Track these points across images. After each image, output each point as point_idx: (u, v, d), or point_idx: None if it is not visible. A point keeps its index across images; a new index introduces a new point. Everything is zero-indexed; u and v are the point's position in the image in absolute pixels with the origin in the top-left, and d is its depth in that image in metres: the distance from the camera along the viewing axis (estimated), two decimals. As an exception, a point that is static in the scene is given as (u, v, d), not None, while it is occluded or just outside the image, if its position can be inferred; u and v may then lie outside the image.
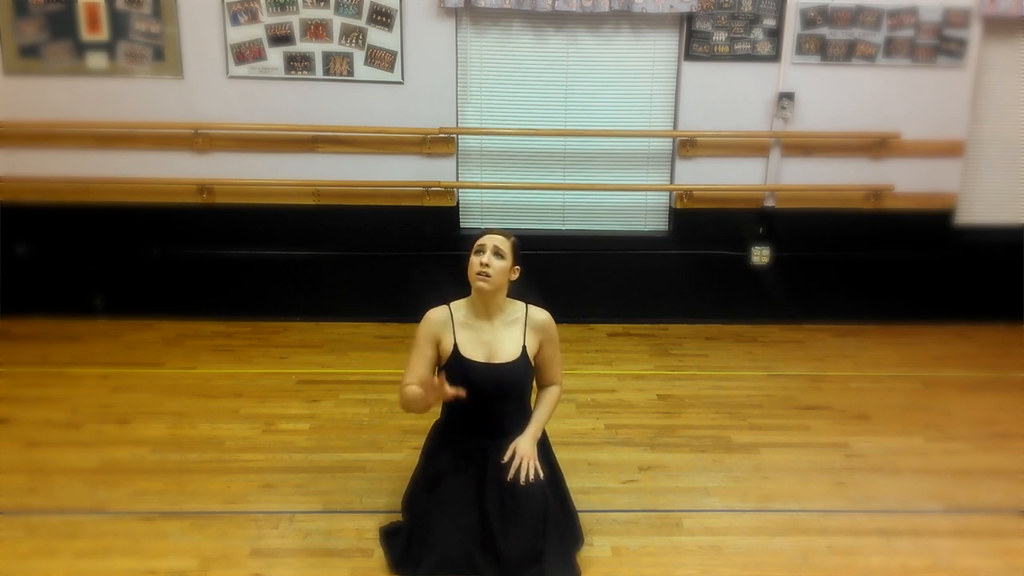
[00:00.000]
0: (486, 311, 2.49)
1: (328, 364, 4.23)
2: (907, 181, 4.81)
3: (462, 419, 2.50)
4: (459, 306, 2.54)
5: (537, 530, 2.35)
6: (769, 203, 4.87)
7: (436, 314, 2.53)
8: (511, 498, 2.37)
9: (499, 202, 4.89)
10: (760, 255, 4.89)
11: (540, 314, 2.55)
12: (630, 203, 4.94)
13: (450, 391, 2.27)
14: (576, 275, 4.91)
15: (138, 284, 4.79)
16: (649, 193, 4.94)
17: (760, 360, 4.42)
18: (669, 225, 4.95)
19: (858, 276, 4.95)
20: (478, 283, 2.41)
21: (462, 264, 2.48)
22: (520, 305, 2.55)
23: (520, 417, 2.54)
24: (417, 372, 2.47)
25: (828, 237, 4.89)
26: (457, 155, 4.75)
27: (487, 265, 2.40)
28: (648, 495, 2.97)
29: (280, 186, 4.67)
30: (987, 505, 2.94)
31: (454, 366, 2.46)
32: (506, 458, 2.40)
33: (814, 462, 3.24)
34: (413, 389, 2.41)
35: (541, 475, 2.39)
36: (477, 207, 4.89)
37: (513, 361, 2.46)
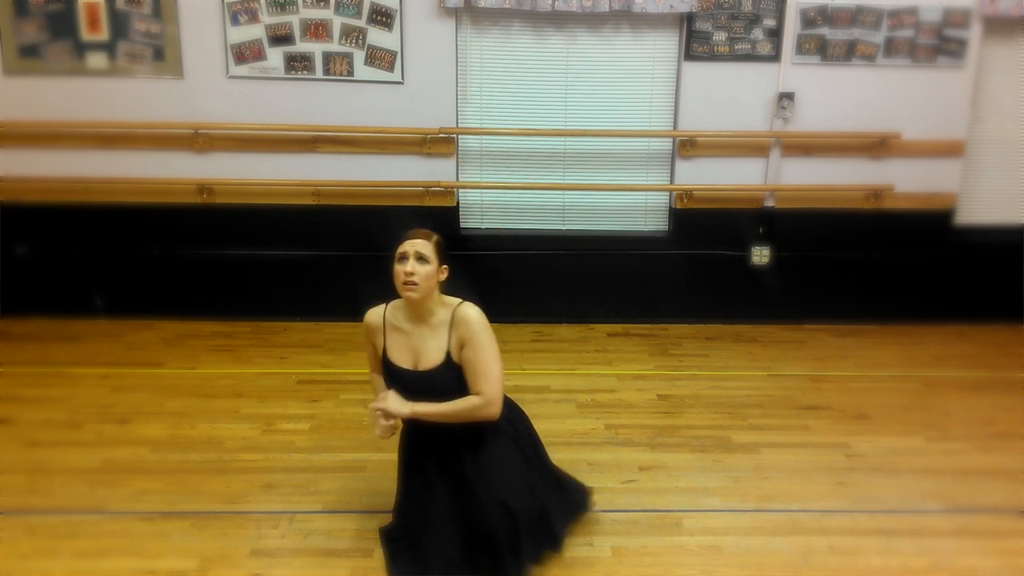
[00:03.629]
0: (416, 315, 2.43)
1: (328, 364, 4.23)
2: (907, 181, 4.81)
3: (411, 423, 2.50)
4: (396, 307, 2.49)
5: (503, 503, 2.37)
6: (769, 203, 4.87)
7: (371, 316, 2.52)
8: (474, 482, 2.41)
9: (499, 202, 4.89)
10: (760, 255, 4.90)
11: (464, 312, 2.39)
12: (630, 203, 4.94)
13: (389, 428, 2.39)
14: (576, 275, 4.91)
15: (138, 284, 4.79)
16: (649, 193, 4.94)
17: (760, 360, 4.42)
18: (669, 225, 4.95)
19: (858, 276, 4.95)
20: (406, 293, 2.36)
21: (388, 271, 2.42)
22: (452, 304, 2.43)
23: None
24: (371, 363, 2.60)
25: (828, 237, 4.89)
26: (457, 155, 4.75)
27: (412, 273, 2.33)
28: (648, 495, 2.97)
29: (280, 186, 4.67)
30: (987, 505, 2.94)
31: (385, 370, 2.48)
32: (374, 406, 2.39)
33: (814, 462, 3.24)
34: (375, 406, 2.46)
35: (382, 421, 2.38)
36: (477, 207, 4.89)
37: (436, 367, 2.38)
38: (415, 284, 2.33)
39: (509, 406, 2.60)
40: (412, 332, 2.43)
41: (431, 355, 2.39)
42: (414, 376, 2.41)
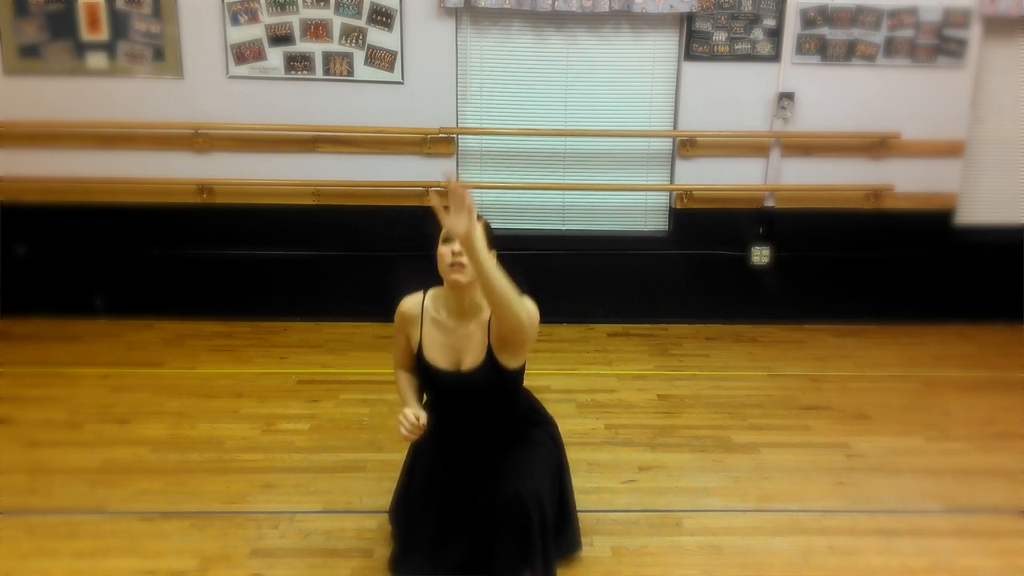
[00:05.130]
0: (460, 308, 2.19)
1: (328, 364, 4.23)
2: (907, 181, 4.81)
3: (436, 432, 2.27)
4: (436, 296, 2.25)
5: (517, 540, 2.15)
6: (769, 203, 4.87)
7: (407, 304, 2.28)
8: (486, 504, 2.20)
9: (499, 202, 4.89)
10: (760, 255, 4.90)
11: None
12: (630, 203, 4.94)
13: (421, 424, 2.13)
14: (576, 275, 4.91)
15: (138, 284, 4.79)
16: (649, 193, 4.94)
17: (760, 360, 4.42)
18: (669, 225, 4.95)
19: (858, 276, 4.95)
20: (453, 276, 2.09)
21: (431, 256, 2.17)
22: None
23: (498, 432, 2.30)
24: (399, 358, 2.37)
25: (828, 237, 4.89)
26: (457, 155, 4.75)
27: (460, 253, 2.05)
28: (648, 495, 2.97)
29: (280, 186, 4.67)
30: (987, 505, 2.94)
31: (419, 369, 2.28)
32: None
33: (814, 462, 3.24)
34: (404, 400, 2.29)
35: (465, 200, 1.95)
36: (477, 207, 4.87)
37: (477, 367, 2.16)
38: (463, 266, 2.06)
39: (553, 424, 2.47)
40: (454, 329, 2.19)
41: (473, 354, 2.17)
42: (454, 378, 2.20)
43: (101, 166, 4.60)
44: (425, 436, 2.18)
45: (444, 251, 2.12)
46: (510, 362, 2.21)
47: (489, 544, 2.19)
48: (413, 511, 2.42)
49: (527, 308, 2.05)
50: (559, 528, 2.41)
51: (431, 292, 2.29)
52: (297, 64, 4.54)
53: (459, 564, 2.29)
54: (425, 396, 2.37)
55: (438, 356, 2.23)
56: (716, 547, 2.64)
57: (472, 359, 2.19)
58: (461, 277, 2.10)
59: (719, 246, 4.89)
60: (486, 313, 2.19)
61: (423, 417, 2.14)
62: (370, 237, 4.78)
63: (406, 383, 2.35)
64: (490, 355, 2.17)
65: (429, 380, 2.27)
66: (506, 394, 2.25)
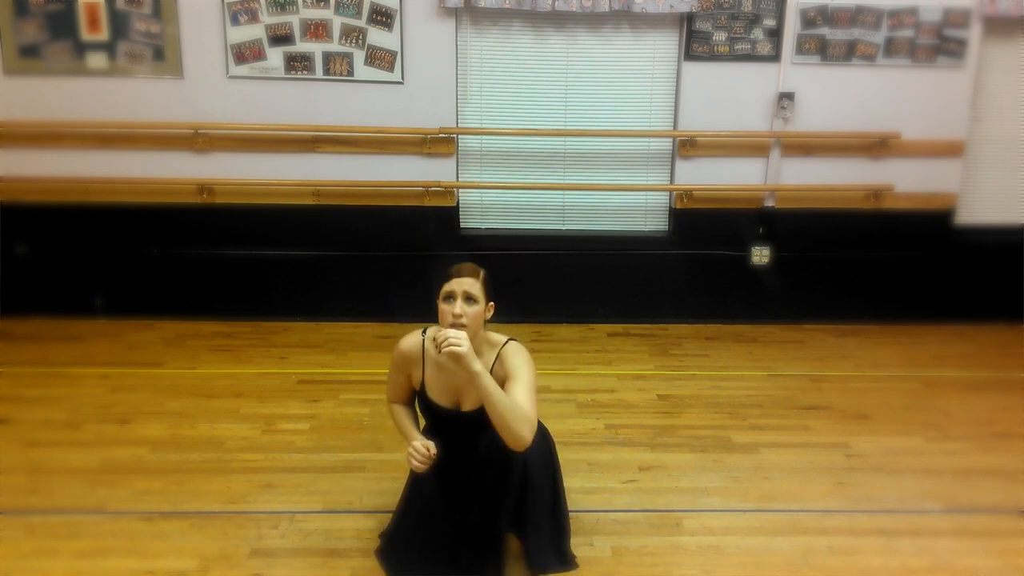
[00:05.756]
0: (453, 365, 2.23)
1: (328, 364, 4.23)
2: (907, 181, 4.81)
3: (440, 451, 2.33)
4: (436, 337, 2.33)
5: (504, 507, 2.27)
6: (769, 203, 4.87)
7: (408, 346, 2.40)
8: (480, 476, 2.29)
9: (499, 202, 4.89)
10: (760, 255, 4.90)
11: (511, 348, 2.33)
12: (630, 203, 4.94)
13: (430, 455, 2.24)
14: (576, 275, 4.91)
15: (138, 284, 4.79)
16: (649, 193, 4.94)
17: (760, 360, 4.42)
18: (669, 225, 4.95)
19: (858, 276, 4.95)
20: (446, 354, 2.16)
21: (433, 310, 2.28)
22: (499, 343, 2.35)
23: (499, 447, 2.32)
24: (396, 394, 2.51)
25: (828, 237, 4.89)
26: (457, 155, 4.75)
27: (460, 316, 2.19)
28: (648, 495, 2.97)
29: (280, 186, 4.67)
30: (987, 505, 2.94)
31: (421, 405, 2.41)
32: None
33: (814, 462, 3.24)
34: (406, 433, 2.40)
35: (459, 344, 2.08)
36: (477, 207, 4.89)
37: (479, 409, 2.22)
38: (464, 326, 2.19)
39: (549, 440, 2.51)
40: (455, 371, 2.25)
41: (474, 397, 2.25)
42: (456, 416, 2.33)
43: (101, 166, 4.60)
44: (435, 465, 2.28)
45: (445, 310, 2.23)
46: None
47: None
48: (413, 542, 2.43)
49: (529, 421, 2.15)
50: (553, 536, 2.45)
51: (429, 332, 2.39)
52: (297, 64, 4.54)
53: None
54: (423, 423, 2.50)
55: (440, 396, 2.36)
56: (716, 547, 2.64)
57: (473, 401, 2.29)
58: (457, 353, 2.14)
59: (719, 246, 4.89)
60: (488, 357, 2.31)
61: (432, 448, 2.26)
62: (370, 237, 4.78)
63: (404, 416, 2.49)
64: None
65: (431, 416, 2.39)
66: None
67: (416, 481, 2.46)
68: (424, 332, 2.42)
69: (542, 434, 2.46)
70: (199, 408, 3.62)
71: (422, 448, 2.25)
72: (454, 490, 2.38)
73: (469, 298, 2.23)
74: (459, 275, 2.25)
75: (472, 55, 4.66)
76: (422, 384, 2.38)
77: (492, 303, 2.31)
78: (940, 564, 2.57)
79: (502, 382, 2.23)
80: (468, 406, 2.32)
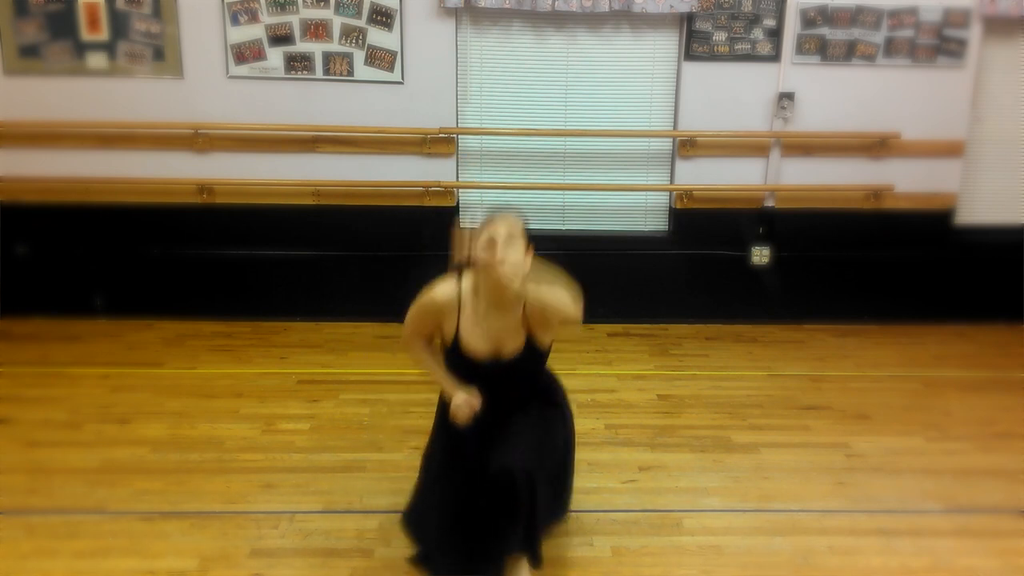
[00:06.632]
0: (502, 302, 2.20)
1: (328, 364, 4.23)
2: (907, 181, 4.80)
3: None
4: (470, 286, 2.25)
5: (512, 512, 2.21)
6: (769, 203, 4.87)
7: (443, 294, 2.26)
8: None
9: (499, 202, 4.88)
10: (760, 255, 4.89)
11: (531, 288, 2.22)
12: (630, 203, 4.94)
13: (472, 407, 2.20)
14: (576, 275, 4.88)
15: (138, 284, 4.79)
16: (649, 193, 4.94)
17: (760, 360, 4.42)
18: (669, 225, 4.95)
19: (858, 276, 4.95)
20: (502, 281, 2.12)
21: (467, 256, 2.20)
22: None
23: (523, 402, 2.33)
24: (417, 336, 2.35)
25: (828, 237, 4.88)
26: (457, 155, 4.75)
27: (503, 261, 2.09)
28: (648, 495, 2.97)
29: (280, 186, 4.67)
30: (987, 505, 2.94)
31: (454, 357, 2.28)
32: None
33: (814, 462, 3.24)
34: (445, 380, 2.30)
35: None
36: (477, 207, 4.88)
37: (519, 354, 2.20)
38: (505, 263, 2.10)
39: (563, 392, 2.52)
40: (494, 319, 2.20)
41: (513, 341, 2.20)
42: (493, 365, 2.22)
43: (101, 166, 4.60)
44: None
45: (487, 256, 2.13)
46: (546, 337, 2.31)
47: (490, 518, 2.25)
48: (434, 506, 2.38)
49: (574, 302, 2.20)
50: (554, 495, 2.42)
51: (464, 280, 2.28)
52: (297, 64, 4.54)
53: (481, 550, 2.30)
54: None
55: (477, 344, 2.24)
56: (716, 547, 2.64)
57: (513, 346, 2.22)
58: (510, 283, 2.12)
59: (719, 246, 4.89)
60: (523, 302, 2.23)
61: (477, 402, 2.22)
62: (370, 237, 4.78)
63: (433, 359, 2.37)
64: (528, 340, 2.23)
65: (466, 367, 2.27)
66: (539, 370, 2.32)
67: (432, 451, 2.42)
68: (459, 280, 2.28)
69: (561, 407, 2.44)
70: (199, 408, 3.62)
71: (471, 402, 2.21)
72: (474, 435, 2.30)
73: (511, 241, 2.13)
74: (496, 221, 2.17)
75: (472, 55, 4.66)
76: (455, 337, 2.24)
77: (531, 245, 2.23)
78: (940, 564, 2.57)
79: (545, 324, 2.21)
80: (508, 351, 2.21)
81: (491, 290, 2.20)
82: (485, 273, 2.16)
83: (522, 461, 2.21)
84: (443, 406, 2.40)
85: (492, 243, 2.13)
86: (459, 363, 2.30)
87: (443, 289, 2.28)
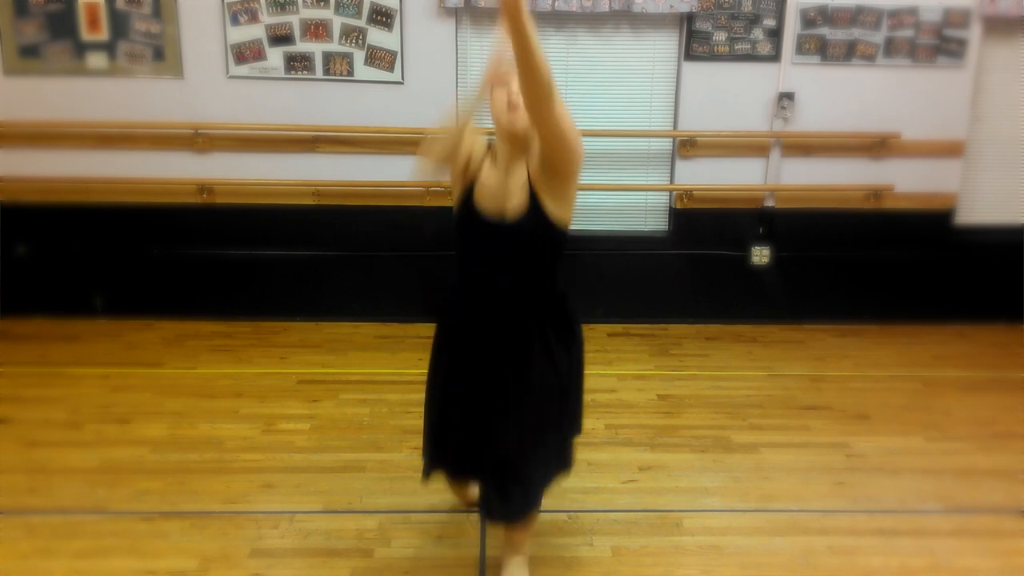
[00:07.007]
0: (513, 155, 2.11)
1: (328, 364, 4.23)
2: (907, 181, 4.81)
3: (463, 303, 2.22)
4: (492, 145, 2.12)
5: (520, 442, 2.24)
6: (769, 203, 4.87)
7: (479, 140, 2.18)
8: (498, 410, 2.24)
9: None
10: (760, 255, 4.90)
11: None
12: (630, 203, 4.94)
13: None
14: (576, 275, 4.90)
15: (138, 284, 4.79)
16: (649, 193, 4.94)
17: (760, 360, 4.42)
18: (669, 225, 4.95)
19: (858, 276, 4.95)
20: (511, 117, 2.04)
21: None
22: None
23: (524, 322, 2.23)
24: (447, 130, 2.22)
25: (828, 237, 4.89)
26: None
27: (515, 103, 2.01)
28: (648, 495, 2.97)
29: (280, 186, 4.67)
30: (987, 505, 2.94)
31: (463, 221, 2.16)
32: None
33: (814, 462, 3.24)
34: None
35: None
36: (477, 207, 4.88)
37: (523, 214, 2.07)
38: (519, 107, 2.01)
39: (579, 339, 2.50)
40: (502, 177, 2.12)
41: (516, 197, 2.08)
42: (498, 227, 2.10)
43: (101, 166, 4.60)
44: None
45: (499, 96, 2.05)
46: (554, 201, 2.13)
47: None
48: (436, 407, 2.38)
49: (558, 100, 1.96)
50: (556, 455, 2.45)
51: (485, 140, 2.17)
52: (297, 64, 4.54)
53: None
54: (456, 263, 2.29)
55: (486, 201, 2.13)
56: (716, 547, 2.64)
57: (517, 202, 2.08)
58: (518, 121, 2.02)
59: (719, 246, 4.89)
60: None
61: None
62: (370, 237, 4.78)
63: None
64: (533, 198, 2.08)
65: (471, 227, 2.16)
66: (544, 259, 2.18)
67: (435, 378, 2.38)
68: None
69: (570, 363, 2.46)
70: (199, 408, 3.62)
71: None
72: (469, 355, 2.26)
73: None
74: (502, 67, 2.05)
75: (472, 55, 4.66)
76: (471, 186, 2.16)
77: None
78: (940, 564, 2.57)
79: (542, 160, 2.09)
80: (512, 208, 2.09)
81: (508, 145, 2.14)
82: (505, 131, 2.10)
83: (513, 450, 2.25)
84: (441, 331, 2.36)
85: (514, 105, 2.04)
86: (467, 226, 2.18)
87: (478, 136, 2.25)
